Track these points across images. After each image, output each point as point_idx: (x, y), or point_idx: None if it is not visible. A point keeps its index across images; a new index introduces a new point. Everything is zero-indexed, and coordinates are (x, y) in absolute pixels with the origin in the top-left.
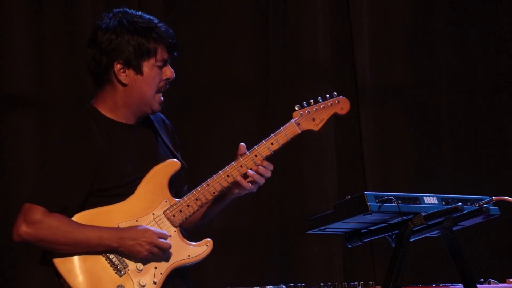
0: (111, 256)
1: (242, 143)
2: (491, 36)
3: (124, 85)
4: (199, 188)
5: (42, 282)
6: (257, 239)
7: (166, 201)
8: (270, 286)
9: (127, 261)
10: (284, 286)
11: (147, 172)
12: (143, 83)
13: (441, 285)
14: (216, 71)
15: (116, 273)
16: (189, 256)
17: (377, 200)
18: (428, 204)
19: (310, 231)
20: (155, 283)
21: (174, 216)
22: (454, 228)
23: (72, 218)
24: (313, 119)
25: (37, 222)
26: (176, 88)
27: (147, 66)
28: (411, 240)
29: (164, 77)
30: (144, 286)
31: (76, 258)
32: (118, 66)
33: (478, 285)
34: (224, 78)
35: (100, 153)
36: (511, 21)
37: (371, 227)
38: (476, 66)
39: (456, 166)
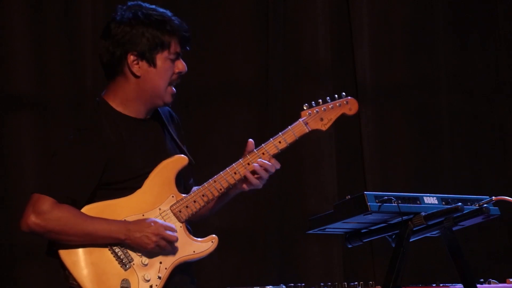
0: (117, 249)
1: (251, 140)
2: (491, 36)
3: (137, 77)
4: (205, 185)
5: (42, 282)
6: (257, 239)
7: (172, 196)
8: (270, 286)
9: (132, 255)
10: (284, 286)
11: (155, 167)
12: (156, 76)
13: (441, 285)
14: (216, 71)
15: (121, 266)
16: (194, 251)
17: (377, 200)
18: (428, 204)
19: (310, 231)
20: (160, 277)
21: (180, 211)
22: (454, 228)
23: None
24: (321, 119)
25: (46, 213)
26: (176, 88)
27: (160, 59)
28: (411, 240)
29: (177, 70)
30: (149, 280)
31: (81, 251)
32: (131, 58)
33: (478, 285)
34: (224, 78)
35: (110, 146)
36: (511, 21)
37: (371, 227)
38: (476, 66)
39: (456, 166)
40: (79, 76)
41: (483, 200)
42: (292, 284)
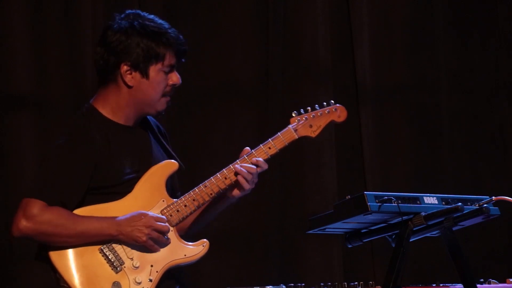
0: (108, 252)
1: (247, 148)
2: (491, 36)
3: (129, 87)
4: (196, 189)
5: (41, 282)
6: (257, 239)
7: (163, 201)
8: (270, 286)
9: (123, 258)
10: (284, 286)
11: (144, 172)
12: (148, 87)
13: (441, 285)
14: (216, 71)
15: (112, 269)
16: (185, 255)
17: (377, 200)
18: (428, 204)
19: (310, 231)
20: (151, 280)
21: (171, 215)
22: (454, 228)
23: None
24: (310, 126)
25: (37, 216)
26: (176, 89)
27: (154, 71)
28: (411, 240)
29: (171, 83)
30: (140, 283)
31: (72, 254)
32: (124, 68)
33: (478, 285)
34: (224, 79)
35: (98, 151)
36: (511, 21)
37: (371, 227)
38: (476, 66)
39: (456, 166)
40: (79, 76)
41: (483, 200)
42: (292, 284)
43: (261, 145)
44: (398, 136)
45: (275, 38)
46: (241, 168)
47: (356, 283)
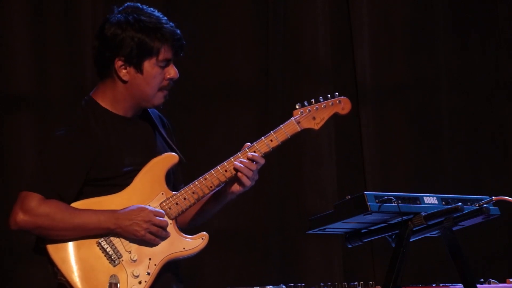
0: (105, 245)
1: (248, 143)
2: (491, 36)
3: (124, 81)
4: (196, 182)
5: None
6: (257, 239)
7: (162, 194)
8: (270, 286)
9: (121, 251)
10: (284, 286)
11: (144, 164)
12: (143, 82)
13: (441, 285)
14: (216, 71)
15: (110, 262)
16: (184, 248)
17: (377, 200)
18: (428, 204)
19: (310, 231)
20: (149, 274)
21: (170, 208)
22: (454, 228)
23: None
24: (314, 118)
25: (34, 209)
26: (176, 88)
27: (148, 65)
28: (411, 240)
29: (168, 76)
30: (137, 276)
31: (70, 247)
32: (119, 63)
33: (478, 285)
34: (224, 78)
35: (97, 143)
36: (511, 21)
37: (371, 227)
38: (476, 66)
39: (456, 166)
40: (79, 76)
41: (483, 200)
42: (292, 284)
43: (262, 137)
44: (398, 136)
45: (275, 38)
46: (240, 165)
47: (356, 283)
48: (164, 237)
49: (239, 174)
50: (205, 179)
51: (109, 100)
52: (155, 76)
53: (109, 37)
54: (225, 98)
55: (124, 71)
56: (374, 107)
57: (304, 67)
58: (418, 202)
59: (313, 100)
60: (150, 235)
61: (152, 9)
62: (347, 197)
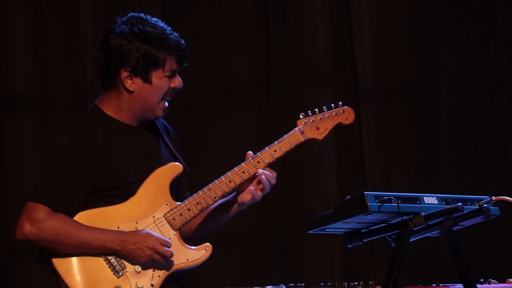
0: (110, 257)
1: (250, 152)
2: (491, 36)
3: (129, 92)
4: (200, 193)
5: (42, 283)
6: (257, 239)
7: (166, 204)
8: (270, 286)
9: (125, 262)
10: (284, 286)
11: (149, 174)
12: (151, 91)
13: (441, 285)
14: (216, 72)
15: (114, 274)
16: (187, 260)
17: (377, 200)
18: (428, 204)
19: (310, 231)
20: (152, 285)
21: (174, 219)
22: (454, 228)
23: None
24: (317, 128)
25: (41, 222)
26: (176, 91)
27: (156, 76)
28: (411, 240)
29: (172, 86)
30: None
31: (74, 258)
32: (124, 74)
33: (478, 285)
34: (224, 79)
35: (102, 152)
36: (511, 21)
37: (371, 227)
38: (476, 66)
39: (456, 166)
40: (79, 76)
41: (483, 200)
42: (292, 284)
43: (266, 147)
44: (398, 136)
45: (275, 38)
46: (265, 171)
47: (356, 283)
48: (162, 261)
49: (262, 177)
50: (209, 189)
51: (114, 108)
52: (162, 86)
53: (114, 48)
54: (225, 98)
55: (130, 81)
56: (374, 107)
57: (304, 67)
58: (418, 202)
59: (316, 110)
60: (152, 261)
61: (155, 19)
62: (347, 197)
